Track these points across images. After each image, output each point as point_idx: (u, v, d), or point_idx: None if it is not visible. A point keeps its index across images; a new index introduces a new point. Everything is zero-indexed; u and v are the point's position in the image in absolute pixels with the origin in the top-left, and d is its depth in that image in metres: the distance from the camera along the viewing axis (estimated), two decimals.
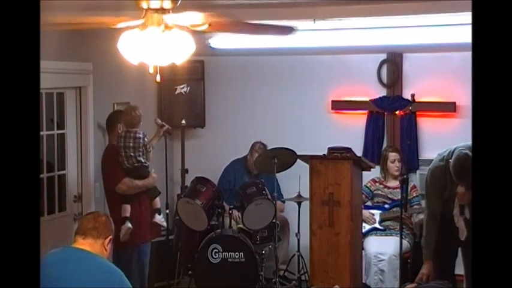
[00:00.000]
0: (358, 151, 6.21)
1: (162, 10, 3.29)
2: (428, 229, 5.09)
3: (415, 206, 6.10)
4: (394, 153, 6.24)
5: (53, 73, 5.30)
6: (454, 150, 4.76)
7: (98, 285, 3.31)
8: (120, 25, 3.40)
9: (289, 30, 3.83)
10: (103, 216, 3.59)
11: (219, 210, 6.04)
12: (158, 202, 5.61)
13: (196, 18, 3.33)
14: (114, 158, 5.38)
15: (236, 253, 5.81)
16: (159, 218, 5.60)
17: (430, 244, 5.08)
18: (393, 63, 6.55)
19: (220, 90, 7.16)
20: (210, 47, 6.60)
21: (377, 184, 6.27)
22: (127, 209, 5.34)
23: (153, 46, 3.27)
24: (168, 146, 6.20)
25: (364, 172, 5.75)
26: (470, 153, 4.42)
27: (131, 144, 5.31)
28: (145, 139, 5.38)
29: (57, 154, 5.80)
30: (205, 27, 3.45)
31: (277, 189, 6.19)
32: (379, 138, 6.61)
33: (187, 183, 6.38)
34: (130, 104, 5.81)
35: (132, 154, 5.32)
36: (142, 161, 5.37)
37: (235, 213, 6.13)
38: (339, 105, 6.76)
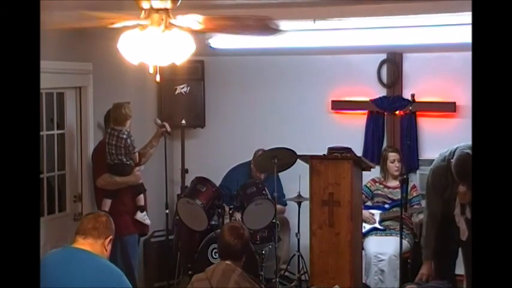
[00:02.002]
0: (358, 151, 6.20)
1: (162, 10, 3.29)
2: (428, 229, 5.09)
3: (415, 206, 6.10)
4: (393, 153, 6.24)
5: (53, 73, 5.31)
6: (456, 149, 4.76)
7: (98, 285, 3.32)
8: (119, 25, 3.40)
9: (272, 30, 3.81)
10: (103, 216, 3.60)
11: (219, 210, 6.04)
12: (142, 199, 5.65)
13: (196, 20, 3.34)
14: (100, 153, 5.52)
15: None
16: (141, 216, 5.64)
17: (429, 244, 5.08)
18: (393, 63, 6.55)
19: (220, 90, 7.16)
20: (210, 47, 6.59)
21: (377, 184, 6.27)
22: (106, 204, 5.48)
23: (153, 46, 3.28)
24: (168, 146, 6.21)
25: (364, 172, 5.75)
26: (471, 153, 4.42)
27: (113, 142, 5.41)
28: (129, 140, 5.41)
29: (57, 154, 5.80)
30: (200, 27, 3.45)
31: (280, 192, 6.20)
32: (379, 138, 6.61)
33: (187, 183, 6.38)
34: (131, 103, 5.81)
35: (113, 152, 5.42)
36: (124, 159, 5.43)
37: (236, 214, 6.13)
38: (339, 105, 6.76)
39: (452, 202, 4.88)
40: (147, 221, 5.71)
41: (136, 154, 5.53)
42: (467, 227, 4.75)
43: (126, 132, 5.41)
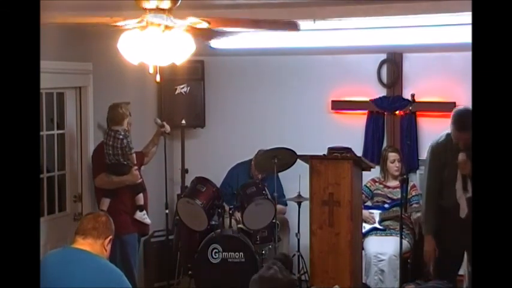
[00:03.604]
0: (358, 151, 6.21)
1: (162, 10, 3.29)
2: (428, 206, 5.08)
3: (414, 205, 6.11)
4: (393, 153, 6.24)
5: (53, 73, 5.31)
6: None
7: (97, 286, 3.32)
8: (120, 24, 3.39)
9: (294, 26, 3.82)
10: (103, 216, 3.59)
11: (219, 210, 6.04)
12: (141, 199, 5.63)
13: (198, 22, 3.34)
14: (99, 153, 5.53)
15: (236, 253, 5.81)
16: (140, 215, 5.63)
17: (429, 219, 5.09)
18: (393, 63, 6.55)
19: (220, 90, 7.16)
20: (210, 47, 6.58)
21: (377, 184, 6.27)
22: (105, 203, 5.51)
23: (153, 46, 3.28)
24: (168, 146, 6.22)
25: (364, 172, 5.75)
26: (469, 108, 4.43)
27: (110, 143, 5.42)
28: (125, 141, 5.41)
29: (57, 154, 5.80)
30: (205, 25, 3.45)
31: (280, 192, 6.19)
32: (379, 138, 6.61)
33: (187, 183, 6.38)
34: (131, 103, 5.81)
35: (110, 152, 5.44)
36: (121, 160, 5.44)
37: (237, 214, 6.13)
38: (339, 105, 6.76)
39: (452, 181, 4.87)
40: (147, 220, 5.70)
41: (134, 155, 5.52)
42: (467, 205, 4.76)
43: (122, 133, 5.41)
